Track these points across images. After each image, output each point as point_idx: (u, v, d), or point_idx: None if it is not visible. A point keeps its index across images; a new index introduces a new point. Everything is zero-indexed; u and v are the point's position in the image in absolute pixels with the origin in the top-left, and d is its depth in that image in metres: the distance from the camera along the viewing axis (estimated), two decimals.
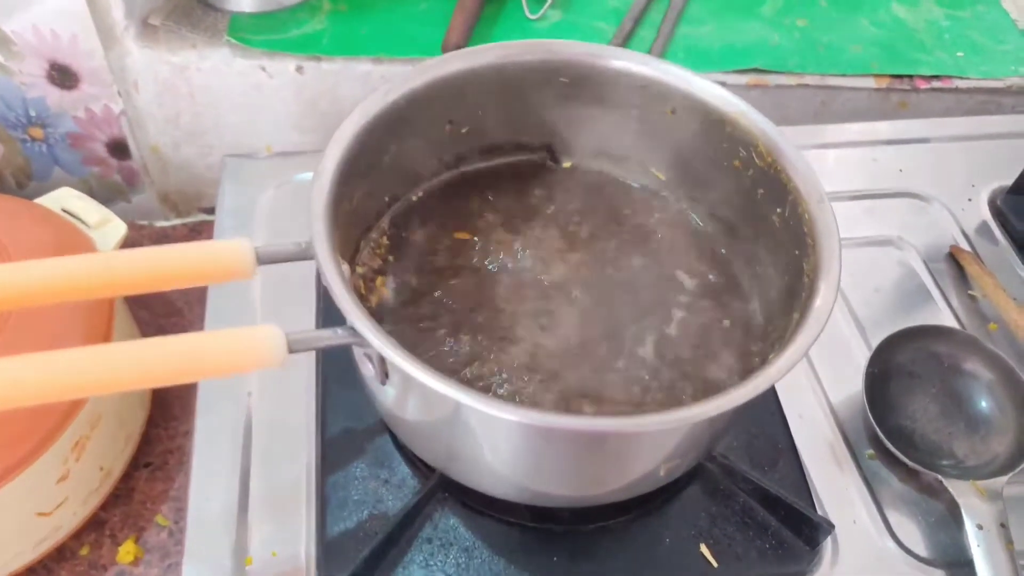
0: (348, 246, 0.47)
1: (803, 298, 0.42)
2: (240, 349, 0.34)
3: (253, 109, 0.78)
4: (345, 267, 0.41)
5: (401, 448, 0.50)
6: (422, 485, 0.48)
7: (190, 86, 0.77)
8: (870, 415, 0.55)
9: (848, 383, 0.58)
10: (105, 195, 0.86)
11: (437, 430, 0.43)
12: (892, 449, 0.54)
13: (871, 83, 0.79)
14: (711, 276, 0.52)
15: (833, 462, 0.54)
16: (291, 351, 0.36)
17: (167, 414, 0.72)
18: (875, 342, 0.59)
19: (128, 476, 0.68)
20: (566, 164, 0.56)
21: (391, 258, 0.51)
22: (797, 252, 0.45)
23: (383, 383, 0.40)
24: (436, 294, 0.50)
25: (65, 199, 0.70)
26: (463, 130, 0.52)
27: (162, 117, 0.80)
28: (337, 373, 0.53)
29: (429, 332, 0.48)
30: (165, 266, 0.36)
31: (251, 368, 0.35)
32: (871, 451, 0.55)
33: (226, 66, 0.75)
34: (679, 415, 0.36)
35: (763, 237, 0.49)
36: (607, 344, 0.49)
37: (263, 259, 0.39)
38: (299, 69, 0.75)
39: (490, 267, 0.51)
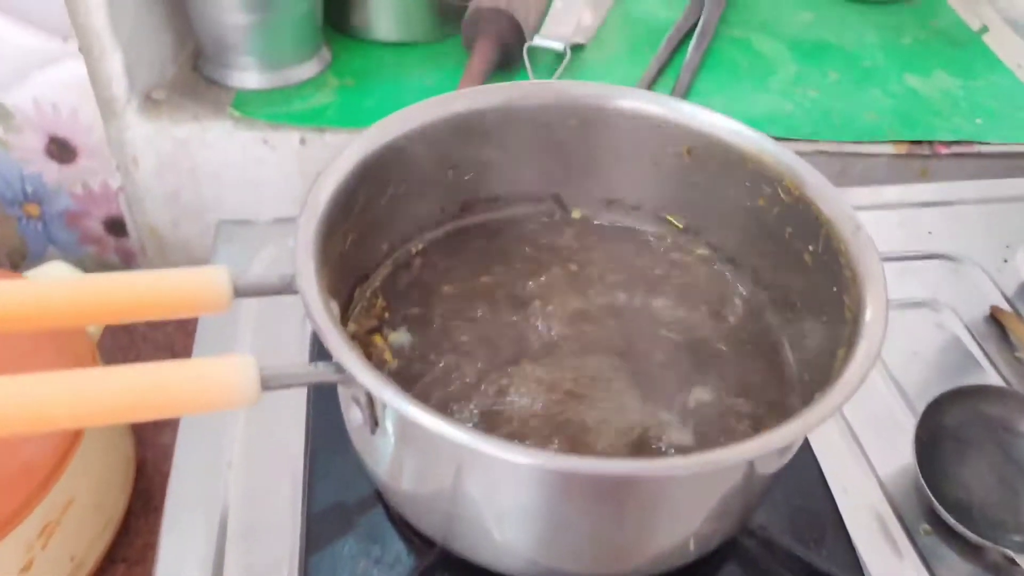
0: (340, 293, 0.43)
1: (847, 334, 0.37)
2: (204, 382, 0.30)
3: (255, 184, 0.76)
4: (333, 305, 0.37)
5: (396, 521, 0.44)
6: (418, 563, 0.42)
7: (192, 160, 0.75)
8: (925, 485, 0.49)
9: (895, 453, 0.53)
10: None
11: (436, 489, 0.37)
12: (952, 523, 0.48)
13: (889, 149, 0.77)
14: (738, 328, 0.48)
15: (885, 539, 0.48)
16: (266, 388, 0.31)
17: (148, 503, 0.66)
18: (920, 408, 0.53)
19: (102, 570, 0.62)
20: (576, 214, 0.53)
21: (388, 314, 0.47)
22: (835, 289, 0.40)
23: (373, 431, 0.36)
24: (438, 353, 0.45)
25: (54, 272, 0.68)
26: (467, 176, 0.49)
27: (161, 193, 0.78)
28: (327, 440, 0.48)
29: (431, 391, 0.43)
30: (132, 294, 0.32)
31: (218, 406, 0.30)
32: (927, 526, 0.49)
33: (228, 139, 0.74)
34: (714, 456, 0.31)
35: (795, 280, 0.45)
36: (628, 402, 0.44)
37: (241, 291, 0.35)
38: (302, 141, 0.73)
39: (495, 324, 0.47)
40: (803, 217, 0.43)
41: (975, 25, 0.94)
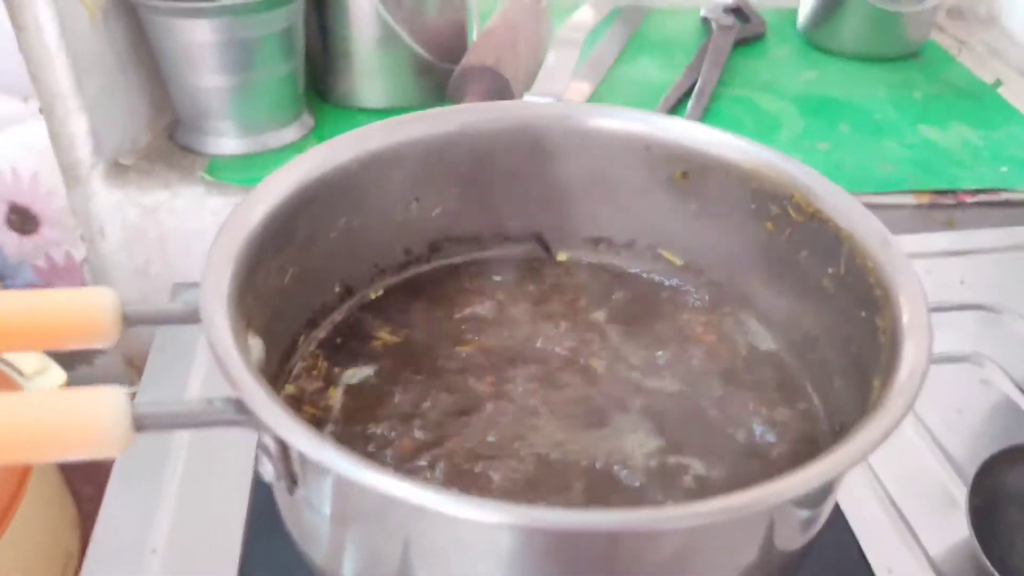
0: (277, 337, 0.37)
1: (884, 360, 0.30)
2: (59, 418, 0.23)
3: None
4: (255, 342, 0.31)
5: None
6: None
7: (160, 229, 0.71)
8: (988, 562, 0.41)
9: (946, 526, 0.45)
10: (63, 358, 0.78)
11: (373, 568, 0.30)
12: None
13: (910, 200, 0.71)
14: (751, 380, 0.41)
15: None
16: (140, 428, 0.24)
17: None
18: (971, 472, 0.45)
19: None
20: (561, 257, 0.47)
21: (338, 368, 0.40)
22: (864, 313, 0.34)
23: (291, 491, 0.28)
24: (392, 422, 0.38)
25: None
26: (433, 212, 0.44)
27: (130, 266, 0.73)
28: (270, 524, 0.41)
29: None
30: None
31: (78, 450, 0.23)
32: None
33: (199, 205, 0.69)
34: (730, 502, 0.24)
35: (814, 312, 0.38)
36: (624, 480, 0.36)
37: (133, 319, 0.28)
38: None
39: (465, 390, 0.40)
40: (819, 236, 0.37)
41: (988, 79, 0.90)
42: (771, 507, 0.25)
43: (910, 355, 0.29)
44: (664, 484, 0.35)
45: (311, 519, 0.31)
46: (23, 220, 0.69)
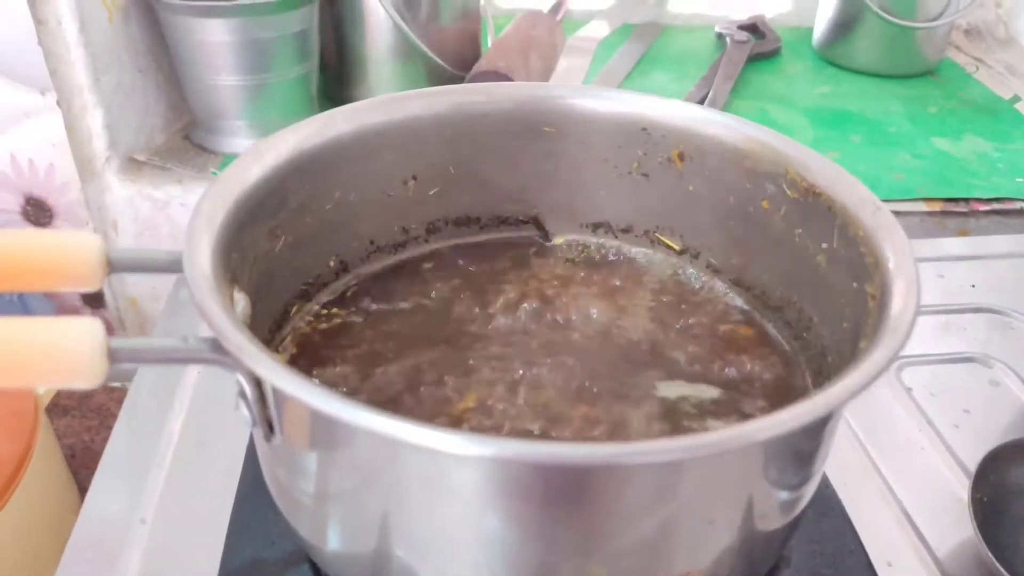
0: (268, 302, 0.37)
1: (870, 325, 0.30)
2: (37, 344, 0.23)
3: None
4: (240, 297, 0.31)
5: None
6: None
7: (172, 225, 0.71)
8: (991, 557, 0.39)
9: (949, 522, 0.44)
10: None
11: (352, 520, 0.29)
12: None
13: (922, 207, 0.70)
14: (749, 363, 0.40)
15: None
16: (114, 360, 0.24)
17: None
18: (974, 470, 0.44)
19: None
20: (558, 240, 0.47)
21: (332, 342, 0.40)
22: (855, 284, 0.33)
23: (268, 438, 0.28)
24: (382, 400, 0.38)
25: None
26: (430, 192, 0.44)
27: None
28: (259, 495, 0.40)
29: None
30: None
31: (55, 378, 0.23)
32: None
33: None
34: (718, 436, 0.23)
35: (809, 290, 0.38)
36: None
37: (117, 265, 0.29)
38: None
39: (461, 370, 0.40)
40: (813, 211, 0.37)
41: (1006, 95, 0.89)
42: (746, 445, 0.25)
43: (897, 303, 0.28)
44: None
45: (289, 472, 0.30)
46: (38, 212, 0.70)
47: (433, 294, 0.43)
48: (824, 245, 0.36)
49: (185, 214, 0.70)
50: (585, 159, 0.44)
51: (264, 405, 0.27)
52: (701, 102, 0.84)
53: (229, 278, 0.30)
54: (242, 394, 0.27)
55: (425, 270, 0.45)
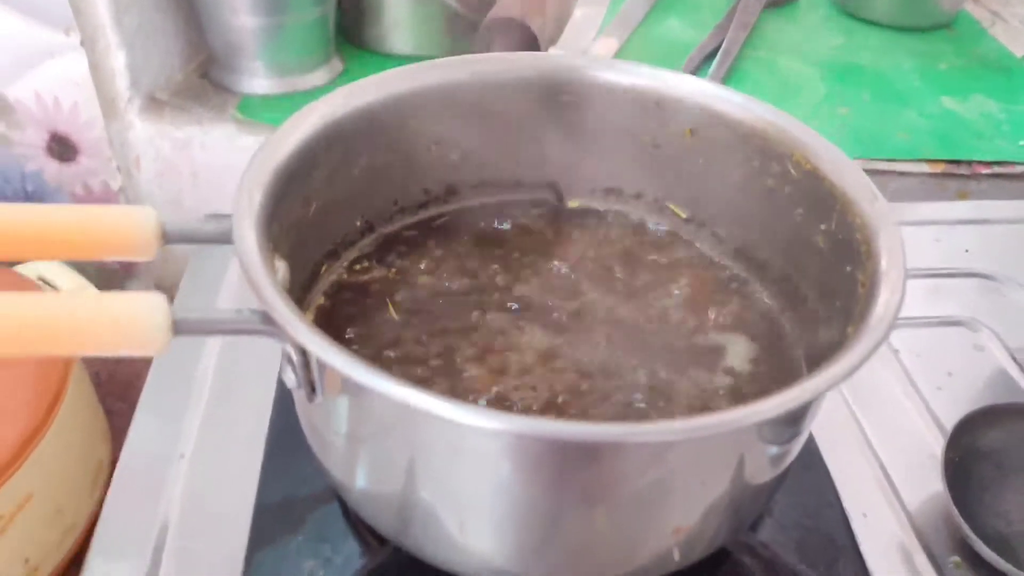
0: (301, 263, 0.40)
1: (858, 311, 0.32)
2: (106, 318, 0.26)
3: None
4: (281, 265, 0.33)
5: (349, 517, 0.40)
6: (368, 561, 0.37)
7: (192, 165, 0.73)
8: (956, 512, 0.43)
9: (923, 478, 0.47)
10: (100, 283, 0.81)
11: (381, 472, 0.33)
12: (988, 554, 0.41)
13: (924, 168, 0.72)
14: (746, 329, 0.43)
15: (907, 570, 0.42)
16: (177, 332, 0.27)
17: None
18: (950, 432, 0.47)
19: None
20: (573, 204, 0.49)
21: (361, 297, 0.43)
22: (849, 268, 0.36)
23: (310, 399, 0.31)
24: (411, 347, 0.41)
25: (42, 267, 0.66)
26: (452, 156, 0.46)
27: (163, 198, 0.76)
28: (289, 436, 0.44)
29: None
30: (48, 228, 0.29)
31: (124, 347, 0.26)
32: (957, 558, 0.43)
33: (230, 142, 0.72)
34: (707, 421, 0.26)
35: (806, 267, 0.40)
36: (625, 406, 0.39)
37: (171, 236, 0.31)
38: None
39: (481, 322, 0.43)
40: (815, 194, 0.39)
41: (1019, 52, 0.89)
42: (739, 429, 0.28)
43: (882, 301, 0.31)
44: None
45: (327, 425, 0.34)
46: (63, 148, 0.72)
47: (453, 251, 0.46)
48: (823, 227, 0.38)
49: (204, 155, 0.72)
50: (601, 129, 0.46)
51: (308, 371, 0.30)
52: (714, 52, 0.84)
53: (271, 247, 0.33)
54: (289, 360, 0.30)
55: (446, 228, 0.47)
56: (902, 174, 0.72)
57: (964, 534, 0.43)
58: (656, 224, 0.48)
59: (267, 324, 0.29)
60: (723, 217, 0.46)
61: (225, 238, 0.31)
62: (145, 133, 0.71)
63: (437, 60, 0.43)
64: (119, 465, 0.44)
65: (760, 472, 0.33)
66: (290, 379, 0.31)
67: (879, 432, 0.50)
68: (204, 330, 0.30)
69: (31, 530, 0.54)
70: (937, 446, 0.49)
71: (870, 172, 0.72)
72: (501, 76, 0.44)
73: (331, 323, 0.41)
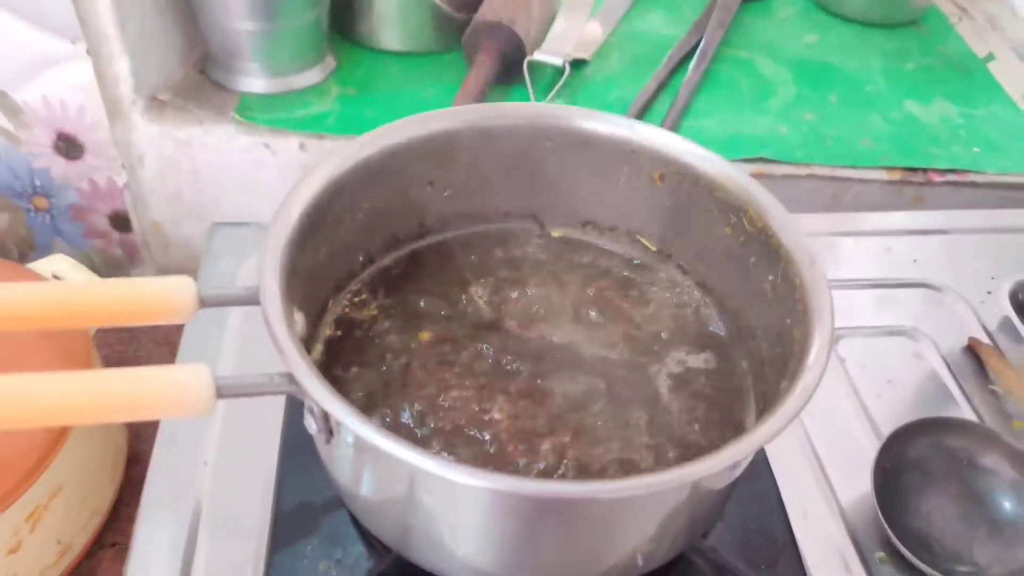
0: (312, 303, 0.45)
1: (792, 368, 0.38)
2: (160, 389, 0.31)
3: (255, 186, 0.78)
4: (299, 317, 0.39)
5: (357, 525, 0.46)
6: (376, 566, 0.43)
7: (193, 163, 0.77)
8: (880, 514, 0.50)
9: (858, 480, 0.53)
10: (105, 269, 0.86)
11: (389, 500, 0.39)
12: (905, 553, 0.48)
13: (883, 175, 0.77)
14: (702, 352, 0.49)
15: (840, 564, 0.49)
16: (220, 396, 0.33)
17: (138, 492, 0.68)
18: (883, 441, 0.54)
19: (91, 555, 0.64)
20: (555, 233, 0.54)
21: (363, 324, 0.48)
22: (788, 321, 0.41)
23: (328, 442, 0.37)
24: (407, 363, 0.47)
25: (56, 265, 0.70)
26: (445, 193, 0.51)
27: (164, 194, 0.80)
28: (301, 444, 0.50)
29: (394, 398, 0.45)
30: (102, 301, 0.34)
31: (175, 412, 0.32)
32: (882, 554, 0.50)
33: (229, 143, 0.75)
34: (652, 480, 0.32)
35: (756, 308, 0.46)
36: (589, 423, 0.45)
37: (207, 301, 0.36)
38: (302, 146, 0.75)
39: (467, 339, 0.48)
40: (765, 247, 0.44)
41: (981, 52, 0.94)
42: (686, 483, 0.34)
43: (812, 355, 0.37)
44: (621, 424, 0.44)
45: (338, 458, 0.39)
46: (69, 147, 0.75)
47: (447, 276, 0.51)
48: (771, 278, 0.44)
49: (205, 153, 0.76)
50: (579, 170, 0.51)
51: (327, 422, 0.36)
52: (693, 50, 0.88)
53: (291, 304, 0.38)
54: (311, 412, 0.36)
55: (440, 256, 0.52)
56: (862, 181, 0.77)
57: (886, 532, 0.49)
58: (627, 253, 0.53)
59: (293, 385, 0.34)
60: (688, 253, 0.51)
61: (254, 300, 0.36)
62: (148, 133, 0.75)
63: (428, 113, 0.48)
64: (150, 471, 0.49)
65: (709, 496, 0.39)
66: (311, 426, 0.36)
67: (822, 437, 0.56)
68: (242, 393, 0.35)
69: (62, 516, 0.60)
70: (872, 449, 0.55)
71: (833, 180, 0.78)
72: (491, 124, 0.49)
73: (338, 354, 0.46)
